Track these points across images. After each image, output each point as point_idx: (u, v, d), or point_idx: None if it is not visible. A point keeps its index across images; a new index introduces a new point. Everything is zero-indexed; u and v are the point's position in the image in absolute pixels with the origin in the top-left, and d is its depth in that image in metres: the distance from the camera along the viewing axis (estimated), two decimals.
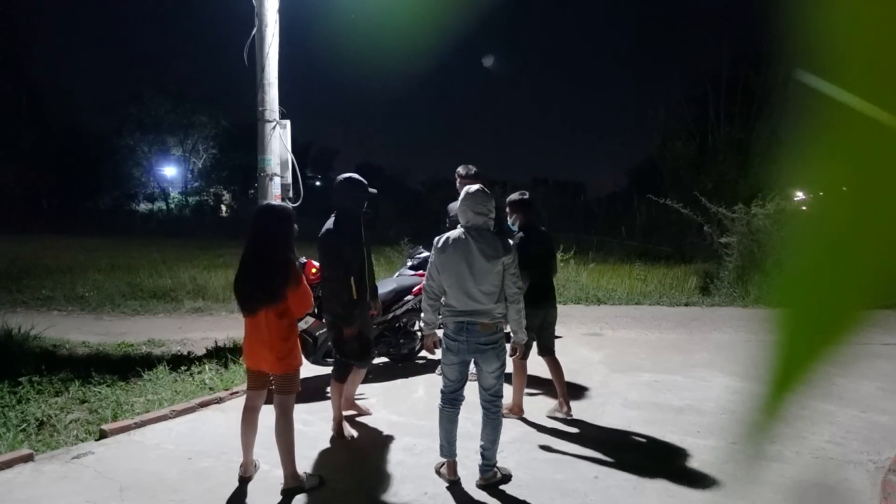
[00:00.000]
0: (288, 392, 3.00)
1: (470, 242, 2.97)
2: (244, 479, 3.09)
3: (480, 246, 2.96)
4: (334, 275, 3.54)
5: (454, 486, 3.05)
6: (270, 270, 2.89)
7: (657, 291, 9.61)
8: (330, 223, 3.59)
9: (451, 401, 3.16)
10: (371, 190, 3.77)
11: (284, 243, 2.96)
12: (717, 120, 17.69)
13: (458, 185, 4.88)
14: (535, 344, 4.01)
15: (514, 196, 4.08)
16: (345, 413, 3.87)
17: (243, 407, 3.10)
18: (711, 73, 19.09)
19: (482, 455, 3.09)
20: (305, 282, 3.01)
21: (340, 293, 3.53)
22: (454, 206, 4.96)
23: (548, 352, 4.06)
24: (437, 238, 3.11)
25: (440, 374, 4.99)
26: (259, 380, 3.06)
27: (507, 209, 4.08)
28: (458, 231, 3.05)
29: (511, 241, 3.56)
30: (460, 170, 4.83)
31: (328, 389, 4.65)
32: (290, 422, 2.99)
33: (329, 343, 4.83)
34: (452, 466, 3.13)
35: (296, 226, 3.06)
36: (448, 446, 3.12)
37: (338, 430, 3.74)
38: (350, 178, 3.66)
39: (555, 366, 4.05)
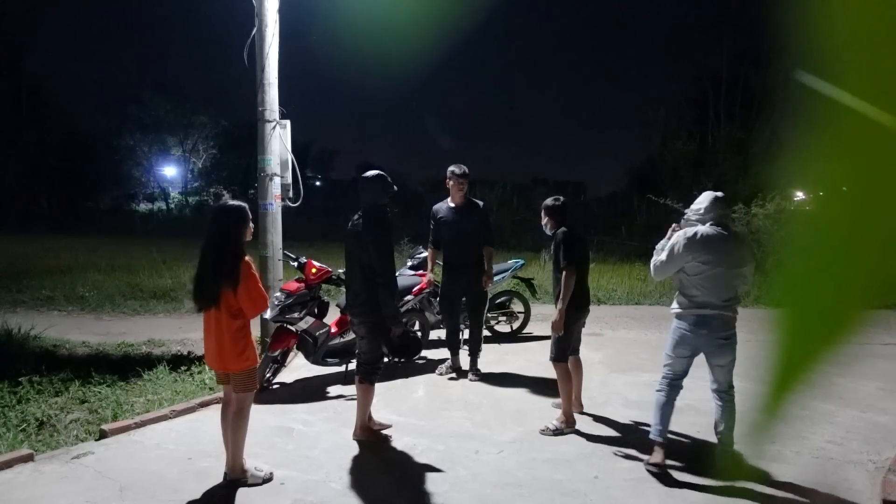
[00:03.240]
0: (246, 390, 3.08)
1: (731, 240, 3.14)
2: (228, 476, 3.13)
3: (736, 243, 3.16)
4: (387, 271, 3.47)
5: (457, 486, 3.05)
6: (216, 271, 2.98)
7: (657, 291, 9.60)
8: (368, 222, 3.52)
9: (670, 387, 3.27)
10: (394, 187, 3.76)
11: (233, 244, 3.01)
12: (717, 120, 17.71)
13: (449, 184, 4.91)
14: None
15: (549, 201, 4.01)
16: (365, 439, 3.66)
17: (221, 403, 3.18)
18: (711, 73, 19.11)
19: (721, 440, 3.21)
20: (259, 283, 3.05)
21: (393, 291, 3.52)
22: (441, 207, 5.00)
23: (575, 352, 4.06)
24: (691, 231, 3.15)
25: (440, 374, 5.02)
26: (225, 376, 3.15)
27: (542, 213, 4.00)
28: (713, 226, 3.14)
29: (559, 238, 3.75)
30: (454, 169, 4.86)
31: (328, 389, 4.66)
32: (244, 419, 3.08)
33: (329, 343, 4.84)
34: (661, 449, 3.19)
35: (251, 224, 3.12)
36: (662, 428, 3.22)
37: (365, 436, 3.64)
38: (378, 175, 3.62)
39: (577, 367, 4.07)
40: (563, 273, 3.70)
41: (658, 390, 3.31)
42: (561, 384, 3.87)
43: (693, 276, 3.13)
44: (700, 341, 3.16)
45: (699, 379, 5.01)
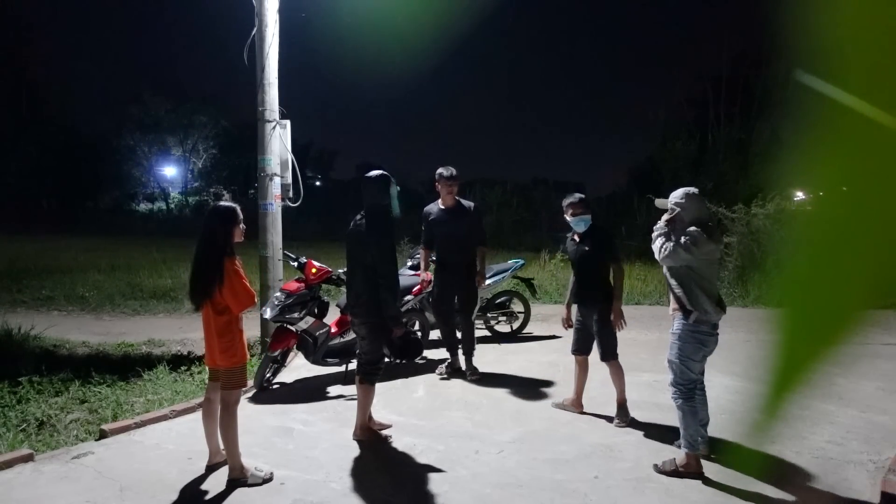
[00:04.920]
0: (231, 387, 3.11)
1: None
2: (210, 468, 3.18)
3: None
4: (389, 272, 3.48)
5: (457, 486, 3.05)
6: (203, 269, 3.04)
7: (657, 291, 9.60)
8: (370, 223, 3.53)
9: (693, 394, 3.18)
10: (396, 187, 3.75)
11: (221, 242, 3.06)
12: (717, 120, 17.71)
13: (438, 186, 4.90)
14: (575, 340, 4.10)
15: (582, 196, 4.06)
16: (365, 439, 3.65)
17: (203, 400, 3.27)
18: (711, 74, 19.13)
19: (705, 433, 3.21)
20: (244, 280, 3.08)
21: (395, 292, 3.52)
22: (432, 209, 4.99)
23: (588, 351, 4.13)
24: (696, 232, 3.05)
25: (441, 374, 5.02)
26: (215, 373, 3.21)
27: (575, 208, 4.01)
28: (695, 228, 3.09)
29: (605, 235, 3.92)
30: (442, 171, 4.86)
31: (328, 389, 4.66)
32: (232, 416, 3.09)
33: (329, 343, 4.84)
34: (699, 459, 3.17)
35: (242, 226, 3.17)
36: (701, 439, 3.16)
37: (365, 436, 3.63)
38: (381, 175, 3.62)
39: (584, 366, 4.14)
40: (618, 266, 3.97)
41: (684, 402, 3.14)
42: (618, 380, 3.96)
43: (705, 275, 3.10)
44: (715, 339, 3.15)
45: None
